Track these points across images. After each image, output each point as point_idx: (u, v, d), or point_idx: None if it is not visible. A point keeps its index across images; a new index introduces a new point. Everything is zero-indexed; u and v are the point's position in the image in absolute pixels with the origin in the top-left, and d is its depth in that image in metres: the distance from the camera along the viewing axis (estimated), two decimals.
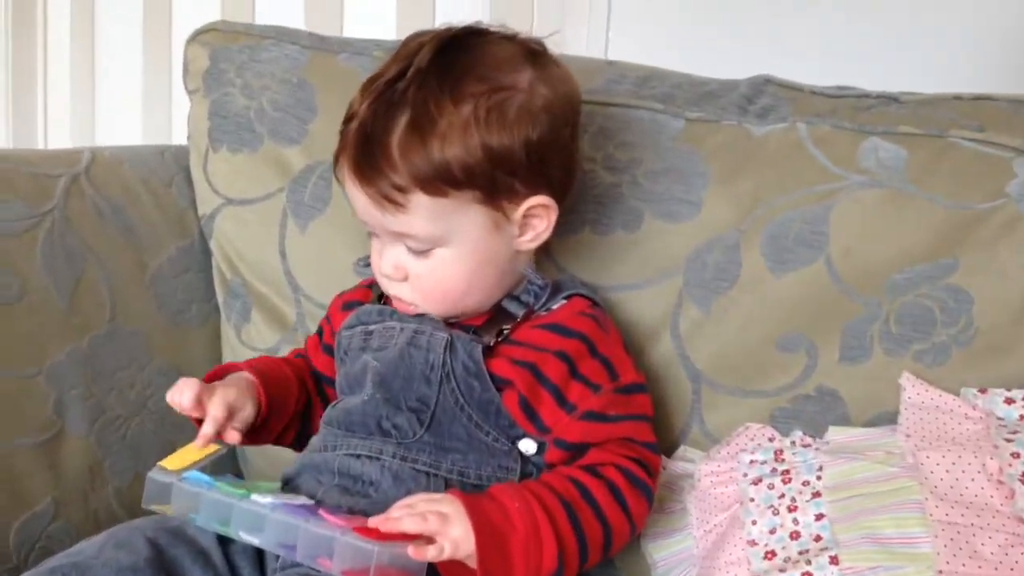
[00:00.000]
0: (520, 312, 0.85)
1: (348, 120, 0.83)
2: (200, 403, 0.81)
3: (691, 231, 0.94)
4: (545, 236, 0.84)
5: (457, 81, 0.79)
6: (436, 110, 0.78)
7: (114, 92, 2.08)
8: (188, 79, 1.17)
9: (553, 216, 0.83)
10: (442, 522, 0.70)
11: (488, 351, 0.83)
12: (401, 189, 0.78)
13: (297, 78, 1.10)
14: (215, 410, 0.81)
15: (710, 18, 1.58)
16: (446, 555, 0.69)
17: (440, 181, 0.78)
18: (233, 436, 0.82)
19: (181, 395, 0.80)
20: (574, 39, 1.70)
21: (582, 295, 0.87)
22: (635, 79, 1.04)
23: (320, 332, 0.97)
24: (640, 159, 0.97)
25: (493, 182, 0.79)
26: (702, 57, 1.19)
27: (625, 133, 0.99)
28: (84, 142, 2.06)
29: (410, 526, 0.69)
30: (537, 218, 0.83)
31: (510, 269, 0.85)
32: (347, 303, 0.94)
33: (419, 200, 0.78)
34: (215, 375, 0.87)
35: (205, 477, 0.78)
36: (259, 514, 0.72)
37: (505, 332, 0.84)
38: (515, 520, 0.72)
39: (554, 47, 0.88)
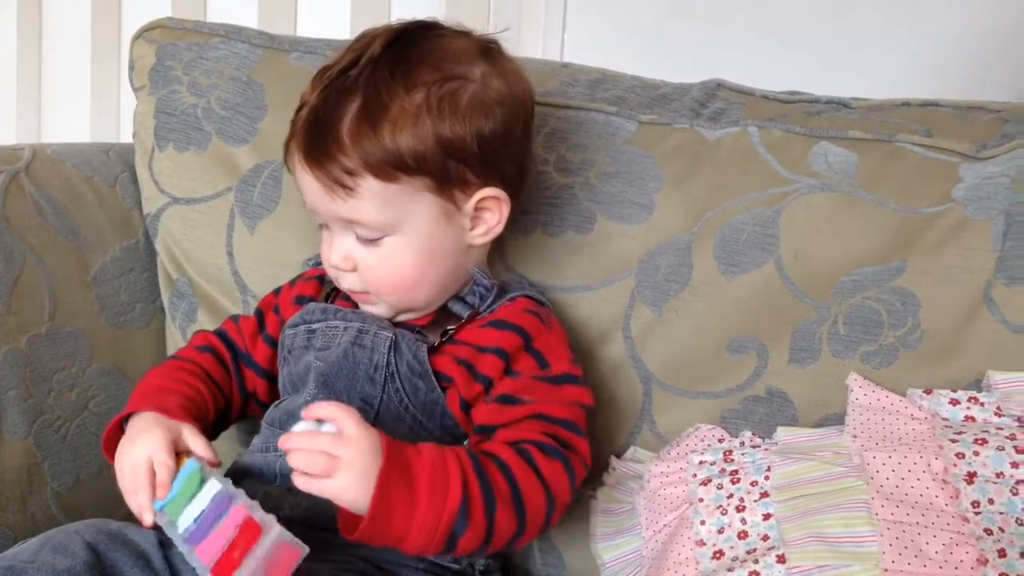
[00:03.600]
0: (465, 313, 0.85)
1: (299, 109, 0.83)
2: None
3: (643, 233, 0.94)
4: (497, 231, 0.84)
5: (409, 69, 0.79)
6: (387, 96, 0.78)
7: (61, 89, 2.04)
8: (134, 76, 1.15)
9: (505, 210, 0.83)
10: (332, 463, 0.67)
11: (432, 350, 0.82)
12: (351, 173, 0.78)
13: (247, 76, 1.09)
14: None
15: (666, 22, 1.59)
16: (328, 494, 0.68)
17: (390, 166, 0.78)
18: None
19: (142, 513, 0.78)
20: (530, 40, 1.71)
21: (528, 296, 0.87)
22: (588, 81, 1.04)
23: (261, 318, 0.94)
24: (593, 161, 0.97)
25: (444, 170, 0.79)
26: (658, 60, 1.20)
27: (578, 135, 0.98)
28: (30, 139, 2.02)
29: (297, 462, 0.68)
30: (489, 211, 0.83)
31: (462, 263, 0.85)
32: (299, 297, 0.93)
33: (369, 185, 0.78)
34: (118, 422, 0.83)
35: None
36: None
37: (450, 332, 0.84)
38: (424, 454, 0.70)
39: (509, 48, 0.88)
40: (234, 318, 0.96)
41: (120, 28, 1.96)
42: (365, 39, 0.82)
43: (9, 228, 0.96)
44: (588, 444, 0.80)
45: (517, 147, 0.84)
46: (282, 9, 1.85)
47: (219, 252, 1.07)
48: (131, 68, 1.15)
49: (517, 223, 0.97)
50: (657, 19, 1.60)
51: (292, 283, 0.95)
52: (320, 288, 0.93)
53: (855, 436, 0.78)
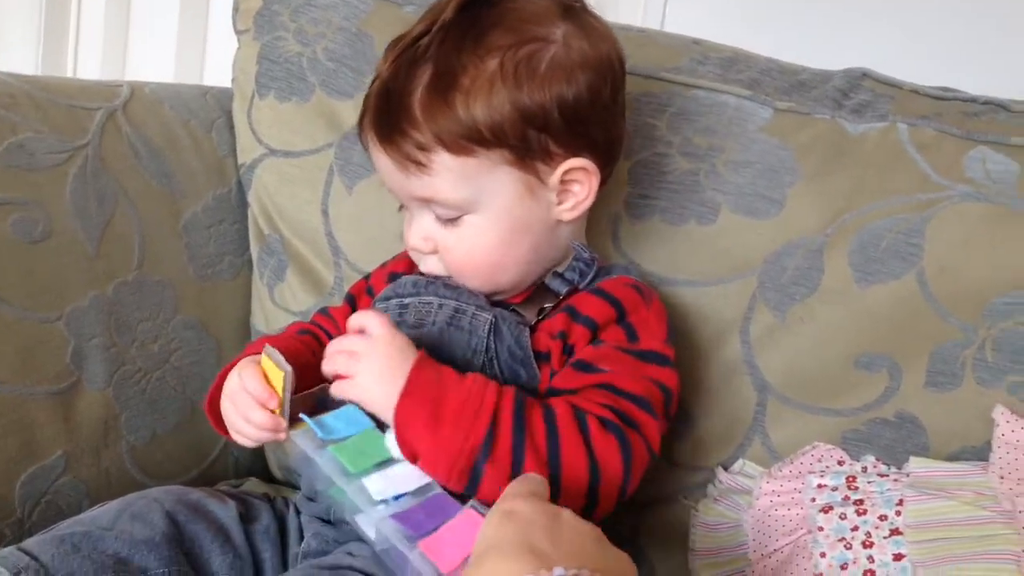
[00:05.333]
0: (563, 290, 0.79)
1: (372, 83, 0.78)
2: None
3: (772, 230, 0.87)
4: (587, 204, 0.78)
5: (483, 34, 0.73)
6: (459, 64, 0.72)
7: (148, 27, 2.01)
8: (238, 18, 1.10)
9: (595, 182, 0.77)
10: (351, 361, 0.69)
11: (531, 330, 0.77)
12: (424, 148, 0.73)
13: (356, 27, 1.03)
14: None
15: None
16: (352, 394, 0.69)
17: (465, 139, 0.72)
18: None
19: (249, 382, 0.72)
20: (630, 10, 1.62)
21: (631, 274, 0.81)
22: (720, 60, 0.97)
23: (353, 303, 0.90)
24: (721, 147, 0.90)
25: (524, 141, 0.73)
26: (762, 39, 1.11)
27: (707, 118, 0.92)
28: (114, 76, 1.99)
29: (325, 367, 0.71)
30: (577, 184, 0.77)
31: (550, 241, 0.79)
32: (391, 274, 0.88)
33: (443, 160, 0.73)
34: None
35: (317, 428, 0.70)
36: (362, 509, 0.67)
37: (546, 310, 0.78)
38: (467, 382, 0.69)
39: (605, 14, 0.81)
40: (323, 311, 0.91)
41: None
42: (440, 4, 0.76)
43: (104, 167, 0.93)
44: (658, 428, 0.73)
45: (606, 112, 0.77)
46: None
47: (314, 209, 1.02)
48: (235, 10, 1.10)
49: (634, 206, 0.91)
50: None
51: (384, 264, 0.91)
52: (414, 265, 0.87)
53: (1003, 477, 0.71)
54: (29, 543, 0.68)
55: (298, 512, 0.80)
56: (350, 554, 0.70)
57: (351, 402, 0.70)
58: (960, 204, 0.82)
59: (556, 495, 0.67)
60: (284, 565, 0.76)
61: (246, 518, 0.76)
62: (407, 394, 0.67)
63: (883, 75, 0.94)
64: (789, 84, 0.93)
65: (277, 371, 0.70)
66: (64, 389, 0.86)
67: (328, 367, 0.71)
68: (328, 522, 0.76)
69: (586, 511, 0.68)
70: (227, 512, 0.76)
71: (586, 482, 0.68)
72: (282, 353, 0.71)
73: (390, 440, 0.69)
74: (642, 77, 0.94)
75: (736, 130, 0.90)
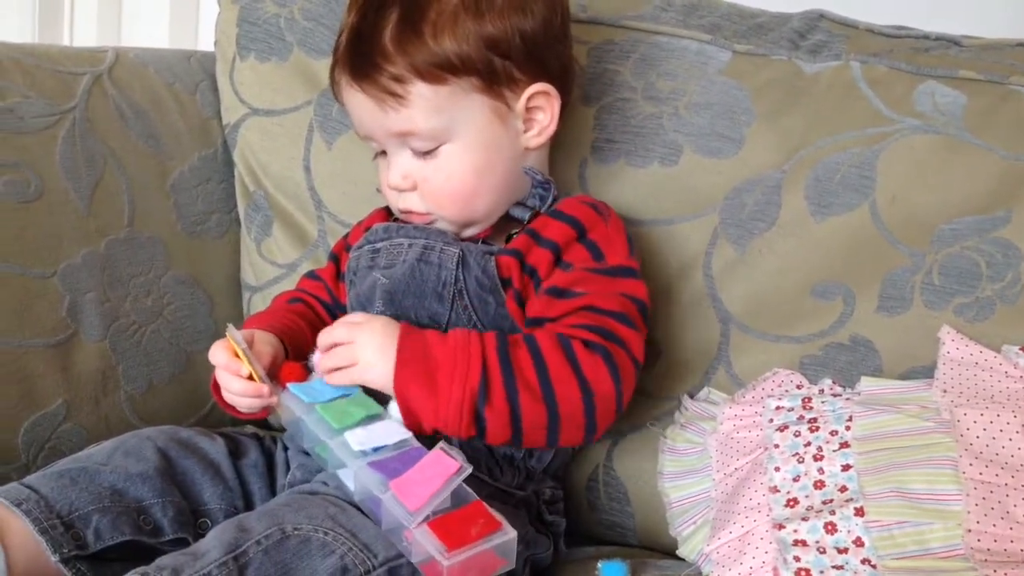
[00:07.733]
0: (526, 216, 0.84)
1: (339, 35, 0.83)
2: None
3: (732, 169, 0.90)
4: (551, 130, 0.83)
5: None
6: (424, 1, 0.78)
7: None
8: None
9: (556, 106, 0.83)
10: (348, 349, 0.74)
11: (498, 254, 0.82)
12: (399, 80, 0.78)
13: None
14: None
15: None
16: (356, 378, 0.74)
17: (437, 68, 0.78)
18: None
19: (215, 356, 0.77)
20: None
21: (587, 196, 0.86)
22: (682, 7, 0.99)
23: (337, 262, 0.94)
24: (683, 91, 0.93)
25: (491, 68, 0.79)
26: None
27: (669, 63, 0.95)
28: (110, 42, 2.02)
29: (326, 363, 0.75)
30: (540, 111, 0.82)
31: (518, 170, 0.84)
32: (367, 229, 0.92)
33: (418, 90, 0.78)
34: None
35: (303, 394, 0.75)
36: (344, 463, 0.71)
37: (513, 235, 0.83)
38: (450, 340, 0.74)
39: None
40: (309, 274, 0.96)
41: None
42: None
43: (91, 130, 0.96)
44: (640, 338, 0.78)
45: (558, 42, 0.84)
46: None
47: (296, 166, 1.06)
48: None
49: (600, 150, 0.95)
50: None
51: (360, 221, 0.95)
52: (388, 217, 0.91)
53: (945, 391, 0.75)
54: (30, 479, 0.72)
55: (285, 448, 0.84)
56: (325, 484, 0.74)
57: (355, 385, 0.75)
58: (910, 137, 0.85)
59: (556, 423, 0.72)
60: (272, 496, 0.81)
61: (235, 454, 0.81)
62: (401, 364, 0.72)
63: (839, 16, 0.97)
64: (748, 27, 0.96)
65: (237, 346, 0.76)
66: (62, 341, 0.91)
67: (331, 362, 0.75)
68: None
69: (588, 431, 0.74)
70: (216, 448, 0.80)
71: (581, 404, 0.73)
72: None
73: (393, 409, 0.74)
74: (606, 25, 0.97)
75: (697, 73, 0.94)
